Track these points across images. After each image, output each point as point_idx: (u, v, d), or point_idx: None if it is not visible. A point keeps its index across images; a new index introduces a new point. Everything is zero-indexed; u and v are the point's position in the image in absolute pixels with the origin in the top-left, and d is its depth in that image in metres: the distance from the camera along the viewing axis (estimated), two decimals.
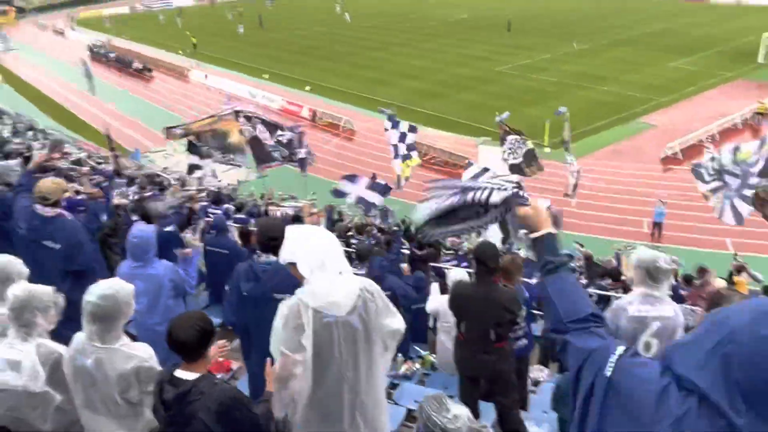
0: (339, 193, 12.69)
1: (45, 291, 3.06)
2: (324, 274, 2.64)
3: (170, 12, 67.45)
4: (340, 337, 2.65)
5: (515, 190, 2.46)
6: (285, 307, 2.71)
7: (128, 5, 75.02)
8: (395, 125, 13.92)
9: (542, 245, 2.15)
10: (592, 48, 39.66)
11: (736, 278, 9.58)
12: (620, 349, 1.66)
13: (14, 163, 8.34)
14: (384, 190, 12.64)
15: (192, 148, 12.71)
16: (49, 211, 4.77)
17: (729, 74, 31.76)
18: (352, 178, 12.71)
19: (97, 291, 2.89)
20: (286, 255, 2.71)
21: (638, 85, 30.54)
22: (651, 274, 3.56)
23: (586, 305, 1.91)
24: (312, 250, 2.66)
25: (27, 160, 8.75)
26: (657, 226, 17.11)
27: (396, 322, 2.85)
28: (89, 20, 65.53)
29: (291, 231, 2.78)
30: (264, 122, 12.38)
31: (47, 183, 4.93)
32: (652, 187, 19.63)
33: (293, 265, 2.68)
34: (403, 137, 13.80)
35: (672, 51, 37.42)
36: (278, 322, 2.72)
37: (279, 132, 12.23)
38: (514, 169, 12.44)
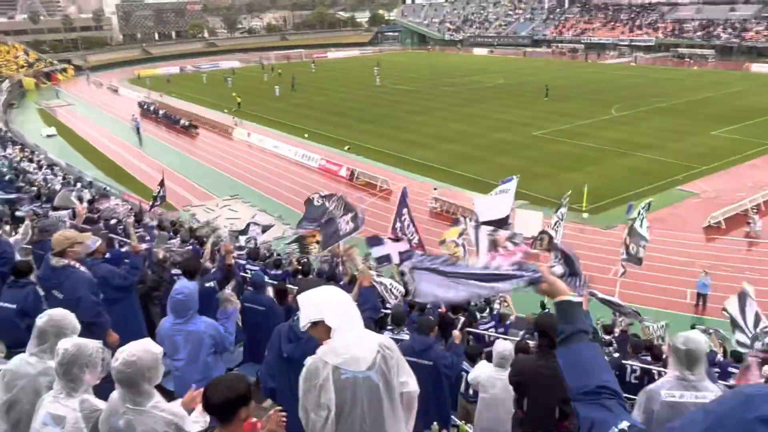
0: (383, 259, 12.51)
1: (93, 346, 3.09)
2: (348, 329, 2.69)
3: (216, 73, 70.61)
4: (361, 394, 2.64)
5: (528, 274, 2.41)
6: (305, 367, 2.73)
7: (179, 66, 78.90)
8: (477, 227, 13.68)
9: (563, 312, 2.12)
10: (633, 115, 39.67)
11: None
12: (624, 424, 1.68)
13: (64, 214, 8.65)
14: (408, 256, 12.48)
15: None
16: (58, 262, 4.93)
17: None
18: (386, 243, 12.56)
19: (120, 356, 2.90)
20: (310, 315, 2.74)
21: (680, 153, 30.24)
22: (685, 356, 3.44)
23: (597, 378, 1.89)
24: (338, 306, 2.73)
25: (74, 213, 9.06)
26: (701, 297, 16.52)
27: (412, 383, 2.89)
28: (141, 79, 68.88)
29: (308, 294, 2.83)
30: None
31: (57, 235, 5.13)
32: (695, 256, 19.10)
33: (316, 324, 2.72)
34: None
35: (714, 119, 37.15)
36: (300, 381, 2.74)
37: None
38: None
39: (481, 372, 5.54)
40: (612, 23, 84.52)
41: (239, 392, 2.72)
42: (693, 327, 13.00)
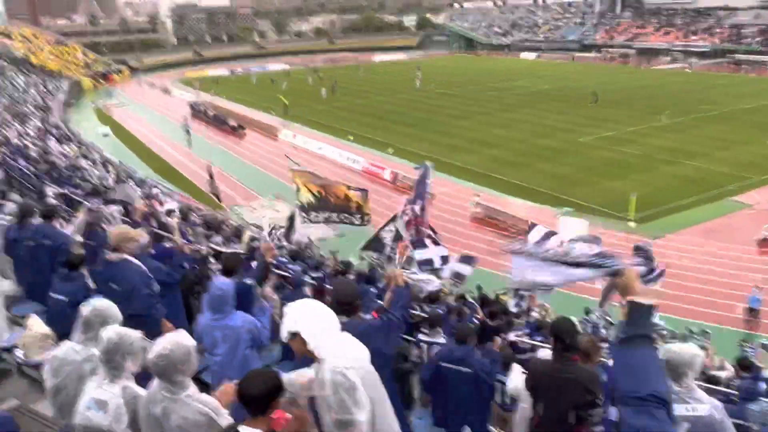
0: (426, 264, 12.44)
1: (135, 335, 3.26)
2: (330, 337, 2.85)
3: (263, 75, 71.91)
4: (376, 385, 2.86)
5: (609, 263, 2.43)
6: (340, 382, 2.79)
7: (228, 68, 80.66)
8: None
9: (630, 312, 2.09)
10: (681, 123, 38.56)
11: None
12: None
13: (115, 209, 8.99)
14: (471, 260, 12.44)
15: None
16: (113, 256, 5.18)
17: None
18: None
19: (155, 349, 3.05)
20: (288, 326, 2.91)
21: (731, 163, 29.23)
22: (671, 367, 3.39)
23: (650, 385, 1.86)
24: (316, 320, 2.90)
25: (126, 209, 9.41)
26: (753, 312, 15.95)
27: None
28: (193, 80, 70.70)
29: (292, 307, 2.99)
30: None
31: (113, 230, 5.40)
32: (746, 270, 18.45)
33: (294, 336, 2.89)
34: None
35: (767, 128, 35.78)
36: (330, 395, 2.82)
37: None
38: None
39: (520, 382, 5.52)
40: (666, 28, 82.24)
41: (275, 385, 2.82)
42: (744, 342, 12.62)
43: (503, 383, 6.06)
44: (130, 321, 4.99)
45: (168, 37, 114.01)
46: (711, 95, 48.35)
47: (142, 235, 6.12)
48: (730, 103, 44.25)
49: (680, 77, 60.83)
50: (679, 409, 3.25)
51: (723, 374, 7.66)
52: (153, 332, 5.10)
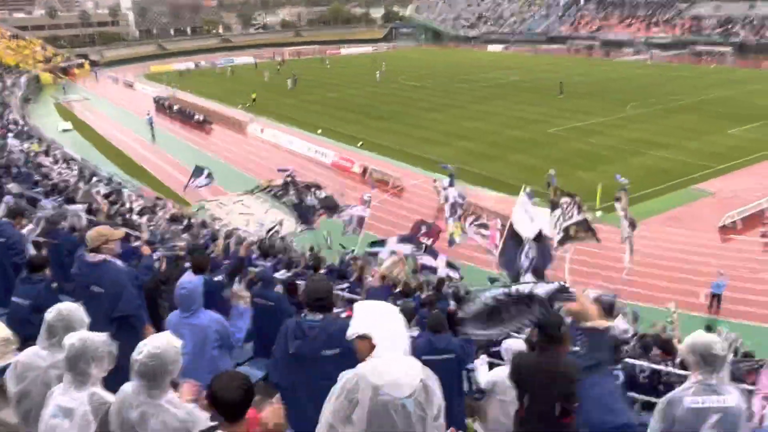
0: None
1: (100, 340, 3.12)
2: (393, 351, 2.66)
3: (231, 68, 70.99)
4: (396, 419, 2.58)
5: (560, 285, 2.42)
6: (344, 379, 2.69)
7: (193, 61, 79.32)
8: (452, 184, 13.99)
9: (590, 338, 2.07)
10: (648, 114, 39.29)
11: None
12: None
13: (80, 207, 8.74)
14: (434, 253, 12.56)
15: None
16: (93, 257, 4.99)
17: None
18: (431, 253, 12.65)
19: (145, 349, 2.91)
20: (359, 327, 2.75)
21: (695, 152, 29.93)
22: (706, 360, 3.39)
23: (621, 416, 1.85)
24: (389, 328, 2.73)
25: (90, 209, 9.16)
26: (716, 297, 16.36)
27: (442, 400, 2.80)
28: (156, 74, 69.37)
29: (366, 305, 2.86)
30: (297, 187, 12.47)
31: (92, 231, 5.21)
32: (709, 256, 18.91)
33: (363, 338, 2.72)
34: (460, 197, 13.74)
35: (732, 118, 36.68)
36: (334, 391, 2.70)
37: (315, 191, 12.33)
38: (563, 235, 12.17)
39: (497, 376, 5.52)
40: (629, 20, 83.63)
41: (249, 389, 2.75)
42: (709, 328, 12.91)
43: (471, 371, 6.09)
44: (118, 323, 4.88)
45: (130, 30, 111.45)
46: (674, 86, 49.36)
47: (122, 235, 6.00)
48: (693, 94, 45.25)
49: (644, 69, 61.96)
50: (711, 401, 3.31)
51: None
52: (140, 333, 4.98)
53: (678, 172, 26.85)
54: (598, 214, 22.38)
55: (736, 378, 7.07)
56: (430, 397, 2.66)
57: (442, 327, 5.86)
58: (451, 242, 13.85)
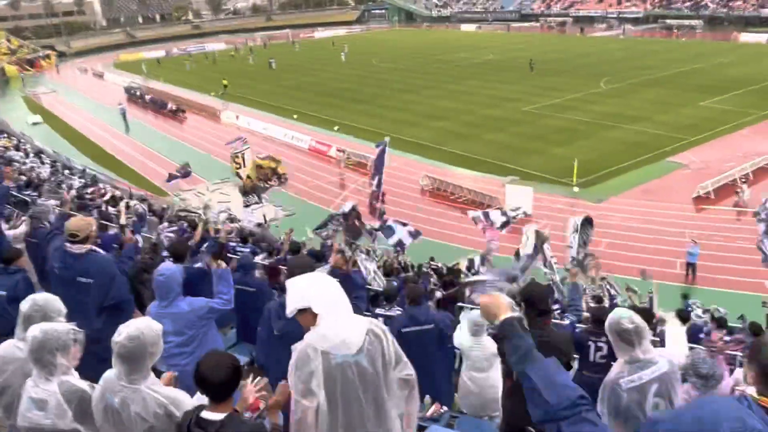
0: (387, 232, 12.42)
1: (62, 329, 3.09)
2: (335, 315, 2.69)
3: (202, 56, 69.93)
4: (352, 378, 2.64)
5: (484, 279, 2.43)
6: (295, 353, 2.72)
7: (164, 49, 77.90)
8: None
9: (509, 330, 2.09)
10: (622, 88, 39.62)
11: None
12: None
13: (51, 203, 8.62)
14: (415, 234, 12.50)
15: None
16: (80, 248, 4.91)
17: (762, 113, 31.31)
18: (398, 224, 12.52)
19: (124, 331, 2.90)
20: (295, 303, 2.76)
21: (669, 125, 30.29)
22: (622, 337, 3.47)
23: (573, 388, 1.87)
24: (325, 292, 2.74)
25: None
26: (691, 266, 16.69)
27: (409, 368, 2.89)
28: (127, 63, 68.06)
29: (295, 281, 2.84)
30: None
31: (76, 220, 5.13)
32: (684, 227, 19.25)
33: (303, 311, 2.73)
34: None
35: (703, 90, 37.15)
36: (290, 368, 2.74)
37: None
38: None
39: (462, 338, 5.61)
40: None
41: (236, 369, 2.77)
42: (685, 296, 13.18)
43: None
44: (108, 311, 4.84)
45: (96, 19, 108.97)
46: (646, 60, 49.76)
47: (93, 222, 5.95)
48: (665, 68, 45.68)
49: (617, 44, 62.32)
50: (645, 375, 3.38)
51: (665, 329, 8.02)
52: (131, 318, 4.96)
53: (652, 145, 27.18)
54: (575, 189, 22.65)
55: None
56: (382, 344, 2.73)
57: (421, 299, 5.93)
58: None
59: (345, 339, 2.63)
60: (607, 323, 3.59)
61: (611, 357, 5.73)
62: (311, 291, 2.73)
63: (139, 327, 2.94)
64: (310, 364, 2.64)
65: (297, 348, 2.72)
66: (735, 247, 17.46)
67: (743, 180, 21.98)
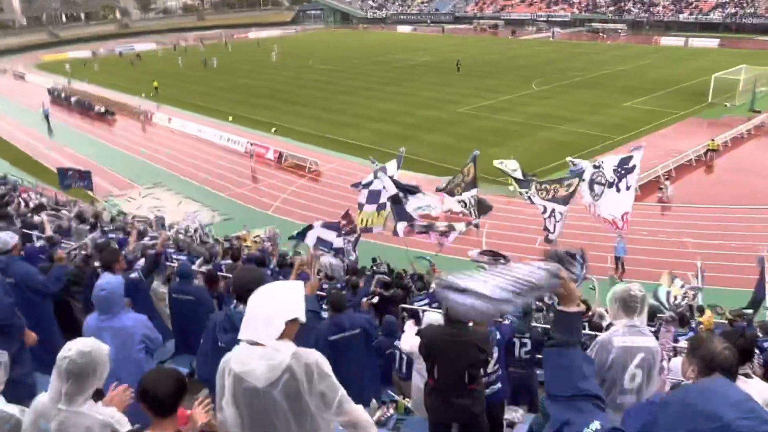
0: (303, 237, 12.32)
1: None
2: (252, 334, 2.56)
3: (131, 55, 67.59)
4: (258, 407, 2.54)
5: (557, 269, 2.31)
6: (219, 367, 2.66)
7: (90, 49, 74.79)
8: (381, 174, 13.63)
9: (565, 321, 2.12)
10: (552, 89, 40.94)
11: (701, 317, 9.74)
12: (595, 425, 1.76)
13: None
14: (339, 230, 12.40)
15: None
16: None
17: (682, 113, 33.08)
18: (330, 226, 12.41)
19: (75, 347, 2.78)
20: (286, 316, 2.66)
21: (597, 125, 31.53)
22: (627, 304, 3.71)
23: (576, 385, 1.94)
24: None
25: None
26: (618, 260, 17.43)
27: (350, 412, 2.68)
28: (51, 64, 64.95)
29: (274, 294, 2.69)
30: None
31: None
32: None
33: (293, 321, 2.66)
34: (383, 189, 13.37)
35: (627, 92, 38.89)
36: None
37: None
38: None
39: (411, 342, 5.66)
40: None
41: (181, 384, 2.69)
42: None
43: (401, 350, 6.23)
44: None
45: (16, 17, 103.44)
46: (575, 63, 51.62)
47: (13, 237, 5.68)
48: (592, 69, 47.53)
49: (547, 46, 64.33)
50: (636, 341, 3.66)
51: (604, 323, 8.34)
52: (15, 340, 4.70)
53: (582, 144, 28.21)
54: (511, 188, 23.15)
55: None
56: (302, 386, 2.52)
57: (343, 306, 5.99)
58: (369, 230, 13.58)
59: (253, 371, 2.50)
60: (613, 291, 3.83)
61: (536, 351, 6.01)
62: (294, 300, 2.64)
63: (89, 343, 2.83)
64: (223, 381, 2.59)
65: (221, 362, 2.66)
66: (660, 240, 18.36)
67: (666, 177, 23.12)
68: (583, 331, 7.58)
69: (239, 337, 2.59)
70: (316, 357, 2.60)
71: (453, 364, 4.48)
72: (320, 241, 11.85)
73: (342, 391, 2.65)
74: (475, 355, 4.46)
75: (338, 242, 11.76)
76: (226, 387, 2.56)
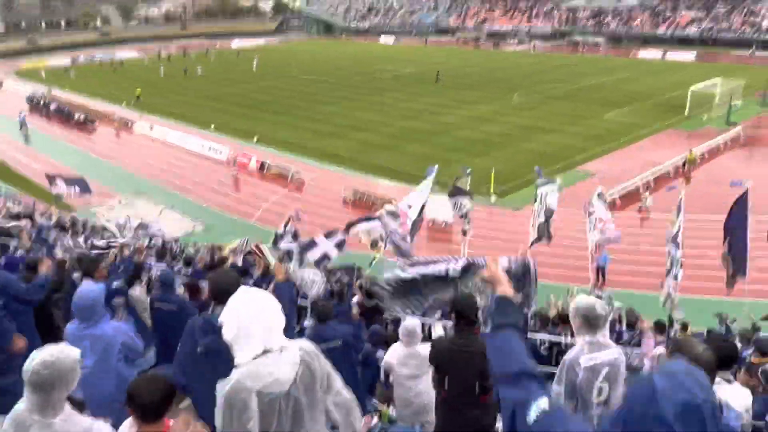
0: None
1: None
2: (251, 346, 2.51)
3: (114, 61, 67.05)
4: (284, 411, 2.56)
5: (472, 260, 2.55)
6: (225, 394, 2.52)
7: (70, 57, 74.04)
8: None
9: (499, 305, 2.25)
10: (534, 101, 41.40)
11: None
12: (543, 401, 1.82)
13: None
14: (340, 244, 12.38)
15: None
16: None
17: (660, 125, 33.62)
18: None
19: (39, 357, 2.70)
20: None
21: (577, 136, 31.92)
22: (590, 321, 3.74)
23: (517, 363, 2.01)
24: (238, 325, 2.54)
25: None
26: (600, 270, 17.59)
27: (341, 392, 2.87)
28: (30, 71, 64.18)
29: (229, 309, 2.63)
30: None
31: None
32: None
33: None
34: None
35: (606, 103, 39.46)
36: (219, 404, 2.55)
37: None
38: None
39: (393, 353, 5.64)
40: (511, 12, 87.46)
41: (169, 389, 2.68)
42: (599, 297, 13.85)
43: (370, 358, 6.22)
44: None
45: None
46: (555, 75, 52.29)
47: None
48: (572, 82, 48.17)
49: (528, 58, 65.10)
50: (601, 356, 3.70)
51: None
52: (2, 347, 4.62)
53: (562, 155, 28.52)
54: (493, 199, 23.37)
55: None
56: (314, 371, 2.67)
57: (327, 316, 5.98)
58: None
59: (278, 378, 2.51)
60: (576, 306, 3.83)
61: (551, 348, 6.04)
62: (228, 314, 2.58)
63: (53, 353, 2.74)
64: (248, 411, 2.48)
65: (226, 389, 2.51)
66: (641, 250, 18.58)
67: (646, 187, 23.45)
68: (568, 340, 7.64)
69: (237, 362, 2.51)
70: (308, 342, 2.75)
71: (463, 375, 4.44)
72: (324, 257, 11.69)
73: (335, 371, 2.82)
74: (485, 365, 4.41)
75: (334, 253, 11.65)
76: (251, 409, 2.48)
